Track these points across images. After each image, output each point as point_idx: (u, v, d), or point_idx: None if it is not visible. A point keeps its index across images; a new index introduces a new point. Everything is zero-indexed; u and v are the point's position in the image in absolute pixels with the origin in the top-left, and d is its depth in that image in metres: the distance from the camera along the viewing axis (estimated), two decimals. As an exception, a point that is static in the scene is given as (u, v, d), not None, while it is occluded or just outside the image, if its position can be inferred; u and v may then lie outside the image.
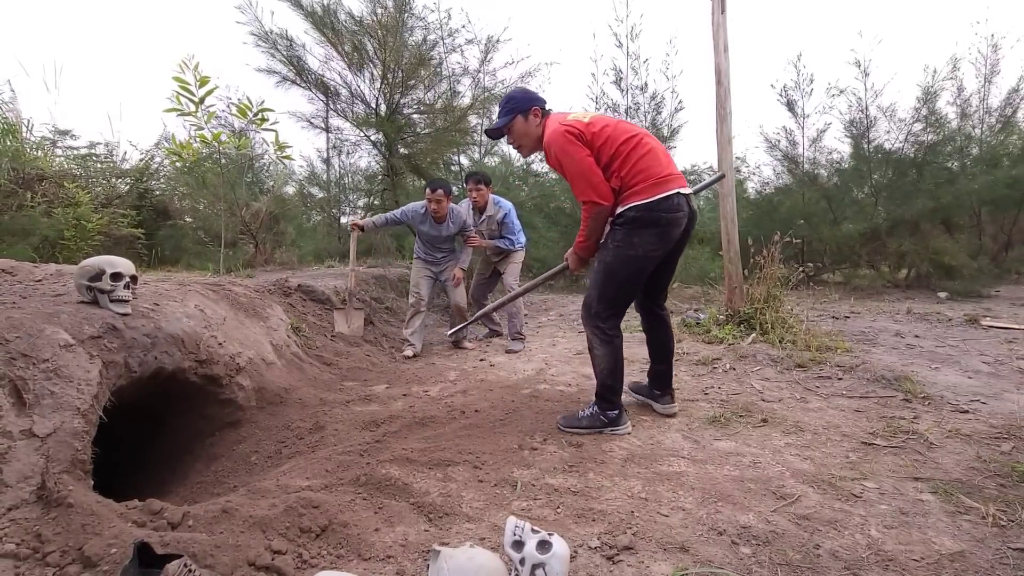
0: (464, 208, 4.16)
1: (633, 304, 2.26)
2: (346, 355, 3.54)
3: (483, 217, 4.16)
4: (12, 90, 5.49)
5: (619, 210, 1.97)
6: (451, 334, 3.34)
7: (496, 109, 7.55)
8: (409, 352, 3.85)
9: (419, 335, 4.00)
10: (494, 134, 2.21)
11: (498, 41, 6.54)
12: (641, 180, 1.92)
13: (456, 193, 4.26)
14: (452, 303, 4.13)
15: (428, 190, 3.76)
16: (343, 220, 8.29)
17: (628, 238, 1.95)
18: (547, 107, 2.16)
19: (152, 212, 6.89)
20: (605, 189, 1.94)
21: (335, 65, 6.27)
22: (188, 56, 4.56)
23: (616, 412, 2.12)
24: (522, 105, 2.11)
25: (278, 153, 5.61)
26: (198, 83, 4.66)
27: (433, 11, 6.25)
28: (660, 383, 2.36)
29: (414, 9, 6.04)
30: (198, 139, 5.09)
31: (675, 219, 1.95)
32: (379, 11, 5.91)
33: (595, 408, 2.14)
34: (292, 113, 6.77)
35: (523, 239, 4.34)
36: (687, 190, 2.00)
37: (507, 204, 4.19)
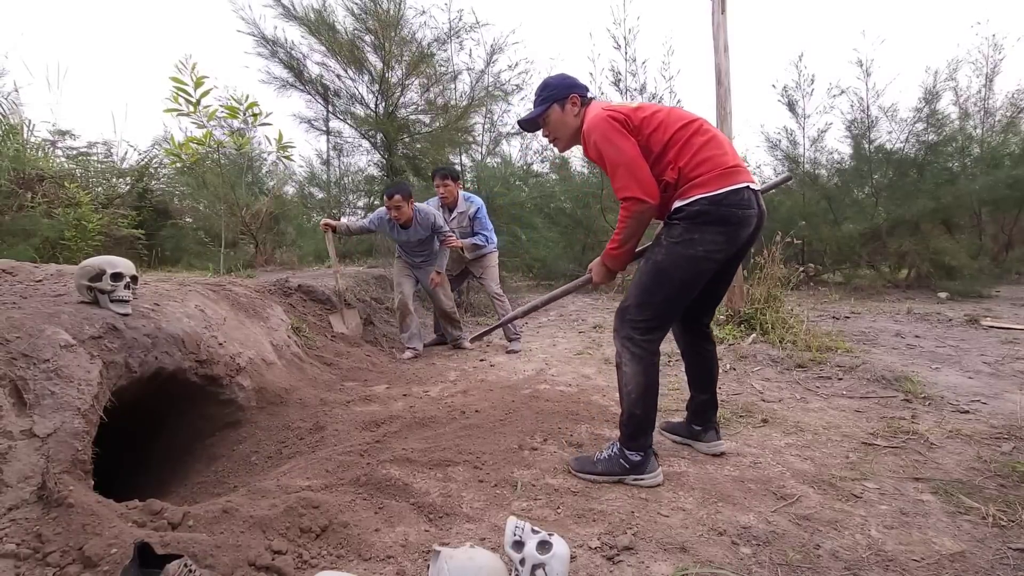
0: (433, 206, 3.93)
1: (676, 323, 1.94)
2: (346, 355, 3.54)
3: (454, 214, 4.01)
4: (16, 90, 5.49)
5: (677, 204, 1.65)
6: (474, 339, 3.02)
7: (497, 109, 7.58)
8: (409, 355, 3.78)
9: (418, 337, 3.90)
10: (528, 126, 1.93)
11: (503, 46, 6.56)
12: (705, 171, 1.61)
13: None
14: (436, 308, 3.95)
15: (385, 196, 3.57)
16: (343, 219, 8.28)
17: (687, 235, 1.62)
18: (588, 95, 1.87)
19: (152, 212, 6.88)
20: (651, 185, 1.63)
21: (333, 65, 6.28)
22: (185, 57, 4.58)
23: (641, 456, 1.70)
24: (559, 93, 1.82)
25: (280, 152, 5.61)
26: (195, 83, 4.67)
27: (443, 10, 6.28)
28: (702, 417, 1.97)
29: (413, 3, 6.06)
30: (196, 141, 5.09)
31: (746, 217, 1.64)
32: (379, 8, 5.91)
33: (615, 449, 1.74)
34: (294, 115, 6.79)
35: (495, 238, 4.16)
36: (756, 186, 1.70)
37: (478, 200, 4.05)
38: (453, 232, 3.98)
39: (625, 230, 1.70)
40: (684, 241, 1.63)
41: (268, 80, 6.18)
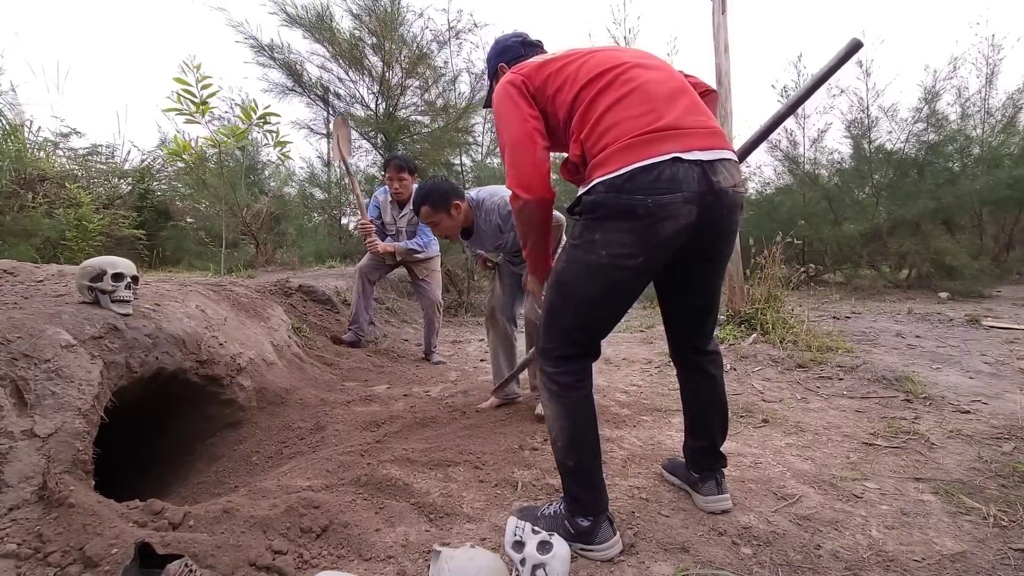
0: (381, 197, 3.54)
1: (668, 350, 1.55)
2: (347, 355, 3.54)
3: (404, 211, 3.54)
4: (14, 91, 5.51)
5: (579, 193, 1.24)
6: (496, 391, 2.39)
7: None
8: (489, 404, 2.51)
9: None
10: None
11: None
12: (608, 142, 1.15)
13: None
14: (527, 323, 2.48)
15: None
16: (343, 221, 8.31)
17: (587, 234, 1.20)
18: (524, 52, 1.50)
19: (153, 213, 6.91)
20: (530, 172, 1.24)
21: (332, 67, 6.31)
22: (190, 57, 4.60)
23: (590, 522, 1.28)
24: (490, 67, 1.54)
25: (277, 149, 5.64)
26: (199, 84, 4.68)
27: (442, 11, 6.31)
28: (699, 464, 1.53)
29: (411, 5, 6.09)
30: (199, 139, 5.11)
31: (662, 205, 1.11)
32: (378, 7, 5.93)
33: (561, 507, 1.36)
34: (294, 122, 6.86)
35: (436, 243, 3.63)
36: (705, 154, 1.14)
37: None
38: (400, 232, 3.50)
39: (520, 233, 1.35)
40: (584, 244, 1.20)
41: (269, 88, 6.24)
